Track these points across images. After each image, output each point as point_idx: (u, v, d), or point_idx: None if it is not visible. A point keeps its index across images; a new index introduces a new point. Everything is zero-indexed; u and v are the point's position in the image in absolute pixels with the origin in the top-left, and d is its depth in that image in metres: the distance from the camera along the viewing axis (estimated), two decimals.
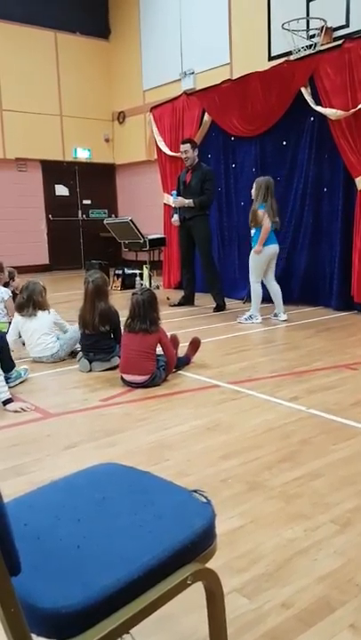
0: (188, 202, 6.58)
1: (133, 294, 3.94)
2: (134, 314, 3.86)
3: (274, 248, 5.86)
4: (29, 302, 4.52)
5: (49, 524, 1.21)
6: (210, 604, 1.23)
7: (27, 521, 1.21)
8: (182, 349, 4.45)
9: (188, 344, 4.42)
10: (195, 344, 4.42)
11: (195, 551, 1.17)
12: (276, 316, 6.07)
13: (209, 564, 1.20)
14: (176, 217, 6.93)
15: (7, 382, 3.66)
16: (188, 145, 6.68)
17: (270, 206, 5.74)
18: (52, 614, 0.97)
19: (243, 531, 2.02)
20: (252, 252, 5.86)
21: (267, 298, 6.12)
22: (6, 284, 5.32)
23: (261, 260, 5.83)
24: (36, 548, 1.13)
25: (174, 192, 6.89)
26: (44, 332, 4.50)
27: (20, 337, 4.64)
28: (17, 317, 4.58)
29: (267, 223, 5.70)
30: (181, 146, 6.75)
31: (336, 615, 1.59)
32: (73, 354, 4.59)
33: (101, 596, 1.00)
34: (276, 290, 6.02)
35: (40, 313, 4.51)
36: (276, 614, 1.59)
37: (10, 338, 4.39)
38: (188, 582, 1.13)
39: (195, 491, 1.32)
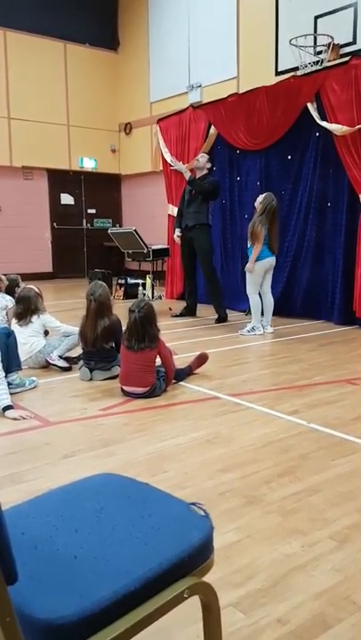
0: (186, 171, 6.80)
1: (131, 312, 3.84)
2: (132, 332, 3.81)
3: (269, 261, 5.92)
4: (27, 311, 4.60)
5: (46, 533, 1.21)
6: (206, 618, 1.22)
7: (24, 530, 1.21)
8: (185, 361, 4.45)
9: (195, 356, 4.42)
10: (201, 358, 4.40)
11: (192, 564, 1.16)
12: (262, 327, 6.09)
13: (205, 578, 1.20)
14: (178, 232, 6.96)
15: (9, 387, 3.66)
16: (207, 156, 6.96)
17: (274, 231, 5.80)
18: (47, 625, 0.97)
19: (240, 545, 2.00)
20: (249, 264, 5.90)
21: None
22: (11, 292, 5.33)
23: (258, 271, 5.88)
24: (33, 557, 1.12)
25: (181, 163, 7.14)
26: (32, 335, 4.54)
27: None
28: (13, 325, 4.62)
29: (258, 245, 5.76)
30: (200, 154, 6.98)
31: (332, 632, 1.57)
32: (70, 360, 4.61)
33: (97, 608, 1.00)
34: (270, 302, 6.07)
35: (34, 318, 4.59)
36: (272, 630, 1.58)
37: None
38: (185, 596, 1.12)
39: (193, 503, 1.31)
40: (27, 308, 4.59)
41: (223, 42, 9.28)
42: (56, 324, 4.66)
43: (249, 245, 5.93)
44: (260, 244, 5.78)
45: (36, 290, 4.75)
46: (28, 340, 4.51)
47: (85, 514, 1.28)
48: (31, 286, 4.82)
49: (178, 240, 7.05)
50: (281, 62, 8.06)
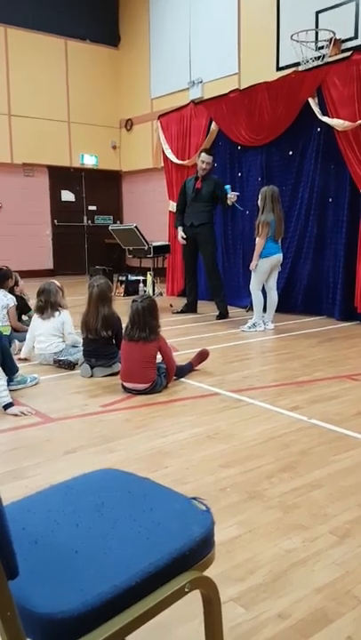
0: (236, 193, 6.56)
1: (133, 302, 3.92)
2: (134, 322, 3.85)
3: (277, 258, 5.90)
4: (47, 304, 4.59)
5: (47, 528, 1.21)
6: (207, 612, 1.22)
7: (25, 525, 1.21)
8: (185, 357, 4.45)
9: (196, 353, 4.42)
10: (202, 355, 4.40)
11: (193, 559, 1.16)
12: (263, 324, 6.09)
13: (206, 573, 1.20)
14: (181, 232, 6.91)
15: (10, 385, 3.66)
16: (212, 158, 6.78)
17: (278, 217, 5.78)
18: (48, 619, 0.97)
19: (241, 540, 2.01)
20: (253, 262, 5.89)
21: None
22: (11, 290, 5.34)
23: (264, 268, 5.86)
24: (33, 552, 1.12)
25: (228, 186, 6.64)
26: (52, 334, 4.54)
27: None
28: (35, 319, 4.63)
29: (261, 240, 5.74)
30: (206, 157, 6.71)
31: (333, 627, 1.58)
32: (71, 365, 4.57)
33: (98, 603, 1.00)
34: (273, 299, 6.06)
35: (56, 314, 4.58)
36: (273, 625, 1.58)
37: (28, 341, 4.64)
38: (186, 590, 1.12)
39: (194, 498, 1.31)
40: (47, 301, 4.59)
41: (224, 37, 9.25)
42: (69, 329, 4.63)
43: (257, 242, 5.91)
44: (263, 238, 5.76)
45: (58, 284, 4.74)
46: (50, 339, 4.54)
47: (86, 509, 1.28)
48: (53, 280, 4.83)
49: (183, 242, 6.99)
50: (282, 58, 8.03)
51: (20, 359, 4.64)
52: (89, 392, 3.92)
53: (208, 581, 1.18)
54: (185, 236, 6.92)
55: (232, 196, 6.48)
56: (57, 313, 4.58)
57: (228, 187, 6.60)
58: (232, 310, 7.00)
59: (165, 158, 8.70)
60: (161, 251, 7.98)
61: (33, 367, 4.47)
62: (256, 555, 1.91)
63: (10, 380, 3.71)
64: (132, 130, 12.26)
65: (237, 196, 6.54)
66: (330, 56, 7.01)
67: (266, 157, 7.23)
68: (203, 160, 6.71)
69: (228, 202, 6.52)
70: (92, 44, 11.99)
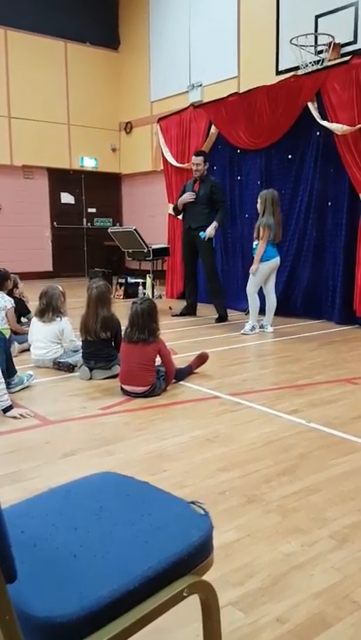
0: (214, 225, 6.56)
1: (133, 303, 3.92)
2: (133, 323, 3.85)
3: (275, 261, 5.92)
4: (49, 308, 4.58)
5: (46, 531, 1.20)
6: (205, 617, 1.22)
7: (23, 528, 1.21)
8: (185, 360, 4.45)
9: (195, 356, 4.42)
10: (202, 357, 4.40)
11: (191, 563, 1.16)
12: (262, 327, 6.09)
13: (205, 577, 1.20)
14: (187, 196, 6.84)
15: (8, 387, 3.66)
16: (202, 158, 6.73)
17: (277, 220, 5.81)
18: (46, 623, 0.97)
19: (239, 544, 2.00)
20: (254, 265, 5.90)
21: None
22: (10, 292, 5.34)
23: (264, 271, 5.87)
24: (32, 555, 1.12)
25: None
26: (51, 340, 4.53)
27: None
28: (34, 322, 4.64)
29: (263, 243, 5.75)
30: (195, 158, 6.75)
31: (332, 631, 1.57)
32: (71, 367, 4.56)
33: (97, 607, 1.00)
34: (272, 302, 6.07)
35: (57, 319, 4.57)
36: (272, 629, 1.58)
37: (29, 339, 4.69)
38: (185, 594, 1.12)
39: (193, 502, 1.31)
40: (48, 304, 4.58)
41: (224, 41, 9.28)
42: (69, 337, 4.60)
43: (255, 245, 5.92)
44: (265, 241, 5.76)
45: (61, 289, 4.73)
46: (48, 345, 4.53)
47: (85, 512, 1.28)
48: (57, 285, 4.82)
49: (190, 196, 6.77)
50: (282, 62, 8.06)
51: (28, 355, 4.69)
52: (88, 394, 3.91)
53: (207, 586, 1.18)
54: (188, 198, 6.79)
55: (206, 236, 6.56)
56: (57, 319, 4.57)
57: (202, 234, 6.59)
58: (231, 313, 7.00)
59: (165, 161, 8.71)
60: (160, 253, 7.99)
61: (32, 369, 4.46)
62: (255, 559, 1.91)
63: (8, 383, 3.70)
64: (131, 132, 12.28)
65: (214, 229, 6.60)
66: (329, 60, 7.04)
67: (265, 161, 7.23)
68: (193, 162, 6.77)
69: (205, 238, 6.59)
70: (91, 46, 12.02)
